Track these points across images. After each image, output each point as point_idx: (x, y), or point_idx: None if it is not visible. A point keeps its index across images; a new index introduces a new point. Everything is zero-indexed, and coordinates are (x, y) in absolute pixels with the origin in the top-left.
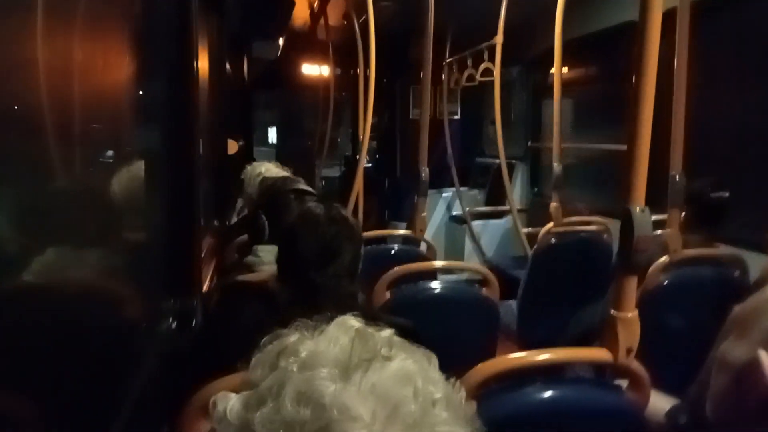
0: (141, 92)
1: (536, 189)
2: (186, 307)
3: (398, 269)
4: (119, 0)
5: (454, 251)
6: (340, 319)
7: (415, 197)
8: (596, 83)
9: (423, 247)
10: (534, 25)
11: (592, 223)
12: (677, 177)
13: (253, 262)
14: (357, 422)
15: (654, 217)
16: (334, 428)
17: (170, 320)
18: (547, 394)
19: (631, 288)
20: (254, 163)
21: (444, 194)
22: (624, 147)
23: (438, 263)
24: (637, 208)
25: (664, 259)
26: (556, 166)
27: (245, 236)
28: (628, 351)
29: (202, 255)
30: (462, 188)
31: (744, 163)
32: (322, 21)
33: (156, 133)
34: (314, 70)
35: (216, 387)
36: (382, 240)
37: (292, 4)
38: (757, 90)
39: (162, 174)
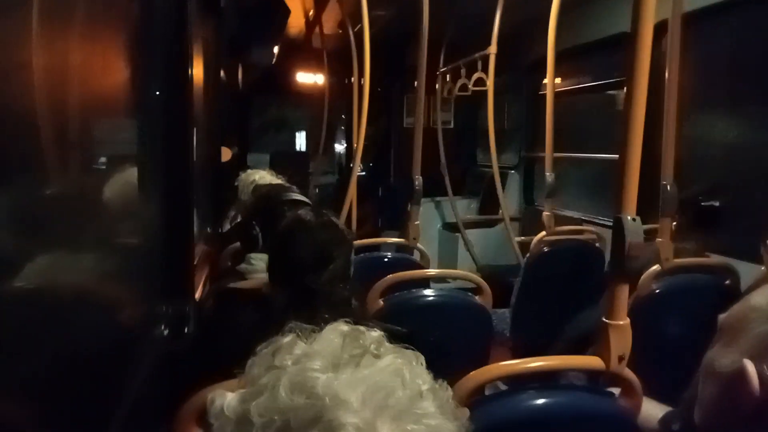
0: (135, 98)
1: (529, 198)
2: (179, 313)
3: (391, 277)
4: (114, 6)
5: (448, 259)
6: (333, 324)
7: (409, 205)
8: (589, 93)
9: (416, 255)
10: (528, 35)
11: (584, 232)
12: (668, 186)
13: (246, 269)
14: (348, 409)
15: (645, 227)
16: (326, 415)
17: (163, 326)
18: (540, 401)
19: (623, 296)
20: (248, 171)
21: (438, 203)
22: (616, 156)
23: (431, 271)
24: (629, 216)
25: (655, 267)
26: (549, 176)
27: (238, 244)
28: (620, 358)
29: (196, 262)
30: (455, 197)
31: (735, 172)
32: (317, 29)
33: (150, 139)
34: (309, 78)
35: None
36: (376, 248)
37: (288, 12)
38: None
39: (156, 180)
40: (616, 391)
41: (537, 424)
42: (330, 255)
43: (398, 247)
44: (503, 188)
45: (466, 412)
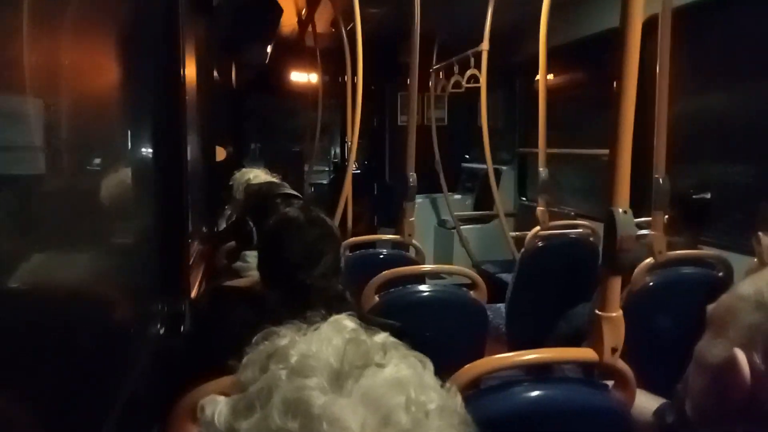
0: (129, 98)
1: (523, 193)
2: (175, 311)
3: (387, 273)
4: (106, 5)
5: (443, 255)
6: (334, 318)
7: (404, 202)
8: (581, 89)
9: (412, 251)
10: (520, 32)
11: (578, 227)
12: (661, 180)
13: (241, 267)
14: None
15: (638, 220)
16: None
17: (159, 325)
18: (534, 393)
19: (616, 288)
20: (243, 170)
21: (433, 199)
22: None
23: (426, 267)
24: (620, 209)
25: (649, 260)
26: (543, 171)
27: (233, 242)
28: (613, 350)
29: (191, 260)
30: (450, 193)
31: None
32: (310, 28)
33: (144, 139)
34: (302, 76)
35: (205, 390)
36: (372, 245)
37: (280, 11)
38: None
39: (150, 179)
40: (609, 383)
41: (531, 416)
42: (319, 251)
43: (394, 244)
44: (497, 184)
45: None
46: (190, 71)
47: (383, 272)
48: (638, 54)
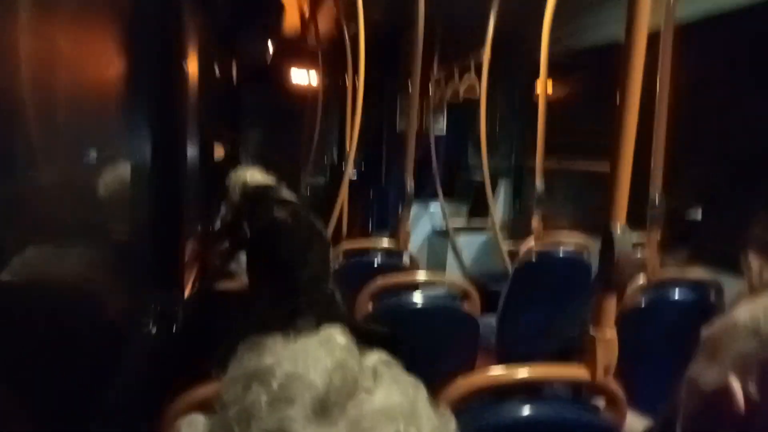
0: (128, 91)
1: (519, 205)
2: (167, 311)
3: (380, 281)
4: None
5: (437, 264)
6: (326, 333)
7: (400, 209)
8: (582, 100)
9: (406, 259)
10: (522, 43)
11: (572, 240)
12: (656, 198)
13: (235, 269)
14: None
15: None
16: None
17: (151, 324)
18: (525, 411)
19: (610, 307)
20: (239, 170)
21: (429, 207)
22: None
23: (421, 276)
24: (618, 226)
25: (642, 279)
26: (539, 184)
27: (227, 244)
28: (606, 370)
29: (185, 261)
30: (446, 199)
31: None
32: (312, 28)
33: (143, 133)
34: (303, 77)
35: (190, 398)
36: (365, 252)
37: (282, 8)
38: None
39: (147, 175)
40: (599, 400)
41: None
42: (306, 255)
43: (388, 252)
44: (493, 194)
45: (452, 419)
46: (191, 68)
47: (377, 280)
48: (642, 68)
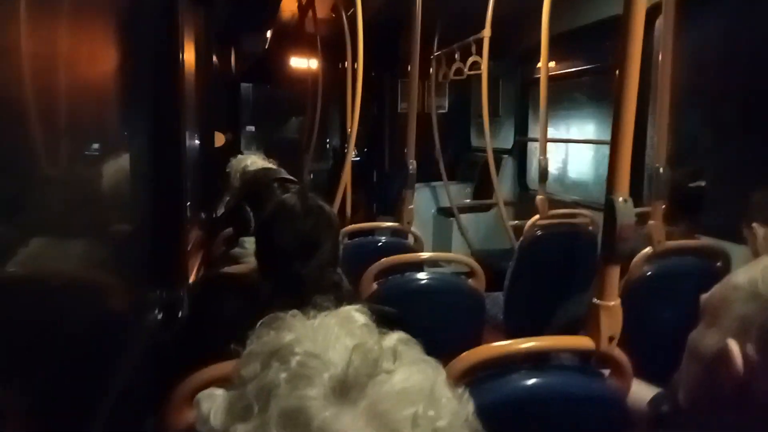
0: (127, 83)
1: (523, 182)
2: (172, 298)
3: (385, 260)
4: None
5: (442, 244)
6: (345, 312)
7: (403, 190)
8: (584, 77)
9: (411, 239)
10: (522, 19)
11: (577, 216)
12: (661, 169)
13: (239, 253)
14: None
15: (636, 210)
16: None
17: (156, 311)
18: (531, 381)
19: (614, 277)
20: (240, 156)
21: (432, 187)
22: (608, 141)
23: (425, 255)
24: (620, 198)
25: (647, 250)
26: (542, 160)
27: (231, 229)
28: (611, 339)
29: (189, 247)
30: (450, 181)
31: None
32: (310, 14)
33: (142, 125)
34: (302, 63)
35: (204, 376)
36: (370, 232)
37: None
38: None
39: (148, 166)
40: (606, 372)
41: (528, 404)
42: (316, 241)
43: (392, 232)
44: (497, 173)
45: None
46: (189, 57)
47: (382, 260)
48: (641, 42)
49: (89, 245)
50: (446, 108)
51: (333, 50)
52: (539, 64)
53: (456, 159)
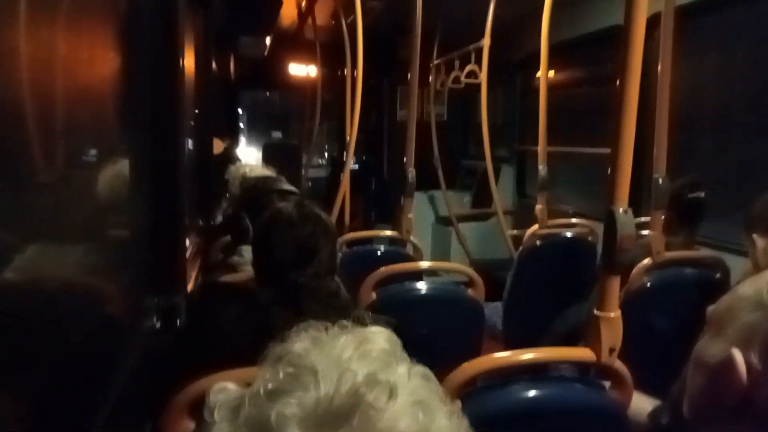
0: (125, 89)
1: (522, 191)
2: (170, 306)
3: (384, 269)
4: None
5: (441, 253)
6: (365, 333)
7: (402, 198)
8: (583, 86)
9: (409, 248)
10: (521, 28)
11: (576, 226)
12: (660, 180)
13: (237, 262)
14: None
15: (636, 220)
16: None
17: (154, 319)
18: (531, 392)
19: (615, 288)
20: (238, 163)
21: (431, 196)
22: (608, 150)
23: (424, 264)
24: (620, 208)
25: (647, 261)
26: (542, 169)
27: (229, 237)
28: (611, 350)
29: (187, 254)
30: (449, 190)
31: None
32: (309, 20)
33: (141, 131)
34: (301, 69)
35: (202, 384)
36: (368, 241)
37: (279, 3)
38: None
39: (147, 172)
40: (606, 383)
41: (528, 415)
42: (313, 249)
43: (391, 241)
44: (496, 182)
45: (458, 404)
46: (188, 63)
47: (380, 269)
48: (641, 52)
49: (87, 252)
50: (445, 117)
51: (332, 57)
52: (539, 73)
53: (454, 167)
